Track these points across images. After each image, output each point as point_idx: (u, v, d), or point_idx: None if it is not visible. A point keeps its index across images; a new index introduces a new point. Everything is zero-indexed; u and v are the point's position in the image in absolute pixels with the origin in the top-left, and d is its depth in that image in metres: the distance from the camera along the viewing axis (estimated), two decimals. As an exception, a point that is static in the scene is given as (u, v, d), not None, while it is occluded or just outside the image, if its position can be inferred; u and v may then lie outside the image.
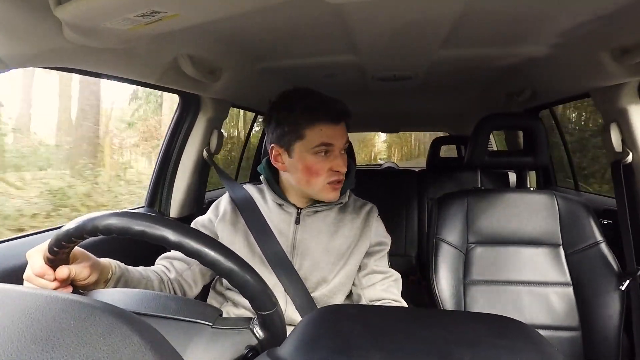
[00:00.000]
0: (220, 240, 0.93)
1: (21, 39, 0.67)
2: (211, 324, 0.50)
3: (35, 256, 0.58)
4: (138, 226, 0.47)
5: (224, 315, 0.54)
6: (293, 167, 0.89)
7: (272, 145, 0.91)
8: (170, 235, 0.46)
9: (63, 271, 0.56)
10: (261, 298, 0.48)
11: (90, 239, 0.52)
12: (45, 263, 0.56)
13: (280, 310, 0.51)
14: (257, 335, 0.49)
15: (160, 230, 0.47)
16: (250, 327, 0.50)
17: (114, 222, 0.48)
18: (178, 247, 0.46)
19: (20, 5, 0.62)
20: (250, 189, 1.01)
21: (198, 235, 0.48)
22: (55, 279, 0.57)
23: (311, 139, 0.85)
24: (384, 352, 0.39)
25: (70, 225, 0.50)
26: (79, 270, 0.60)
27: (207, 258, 0.47)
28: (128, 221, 0.47)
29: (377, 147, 13.33)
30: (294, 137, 0.87)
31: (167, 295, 0.57)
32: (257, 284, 0.48)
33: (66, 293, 0.40)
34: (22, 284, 0.60)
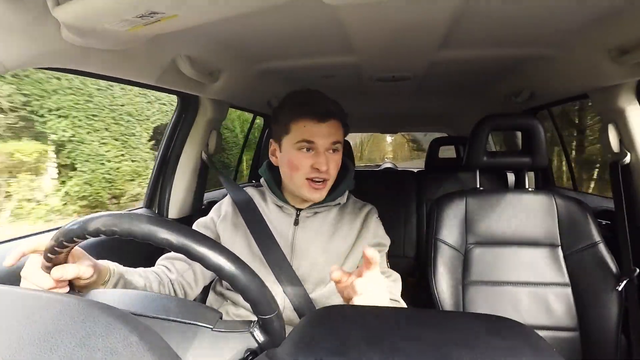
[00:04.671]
0: (221, 240, 0.93)
1: (19, 40, 0.66)
2: (212, 326, 0.50)
3: (36, 254, 0.58)
4: (142, 229, 0.47)
5: (224, 315, 0.54)
6: (282, 161, 0.92)
7: (271, 140, 0.95)
8: (174, 238, 0.46)
9: (62, 271, 0.56)
10: (262, 302, 0.48)
11: (91, 240, 0.52)
12: (45, 260, 0.56)
13: (281, 314, 0.51)
14: (257, 338, 0.49)
15: (164, 233, 0.47)
16: (250, 330, 0.50)
17: (117, 224, 0.48)
18: (182, 250, 0.47)
19: (19, 6, 0.62)
20: (250, 190, 1.01)
21: (202, 239, 0.48)
22: (53, 279, 0.57)
23: (295, 134, 0.88)
24: (383, 353, 0.39)
25: (71, 225, 0.50)
26: (83, 269, 0.60)
27: (210, 262, 0.47)
28: (132, 224, 0.47)
29: (386, 148, 15.60)
30: (283, 132, 0.90)
31: (167, 297, 0.57)
32: (259, 289, 0.48)
33: (65, 294, 0.40)
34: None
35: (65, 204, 3.88)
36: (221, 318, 0.53)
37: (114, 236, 0.48)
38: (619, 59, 0.97)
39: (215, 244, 0.48)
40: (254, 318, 0.51)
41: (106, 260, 0.71)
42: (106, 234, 0.48)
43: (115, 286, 0.70)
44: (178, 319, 0.50)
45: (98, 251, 0.70)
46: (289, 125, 0.88)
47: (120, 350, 0.31)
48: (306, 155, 0.88)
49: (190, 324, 0.50)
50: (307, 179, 0.88)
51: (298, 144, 0.87)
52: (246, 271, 0.48)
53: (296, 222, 0.93)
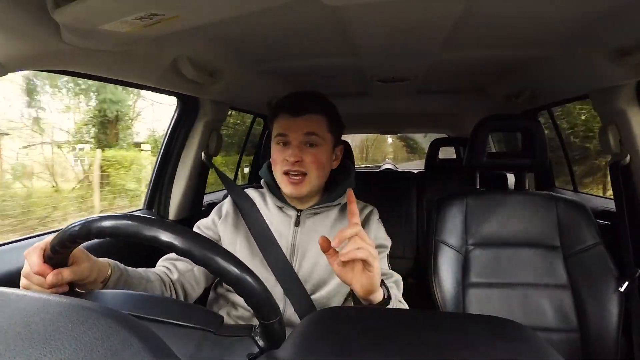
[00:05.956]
0: (222, 241, 0.93)
1: (19, 42, 0.66)
2: (214, 330, 0.50)
3: (34, 254, 0.57)
4: (146, 231, 0.47)
5: (224, 315, 0.54)
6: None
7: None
8: (179, 242, 0.46)
9: (58, 277, 0.56)
10: (265, 308, 0.48)
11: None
12: (45, 261, 0.56)
13: (282, 319, 0.51)
14: (259, 343, 0.49)
15: (168, 236, 0.46)
16: (252, 335, 0.50)
17: (121, 225, 0.48)
18: (186, 254, 0.46)
19: (19, 8, 0.62)
20: (251, 192, 1.01)
21: (206, 243, 0.47)
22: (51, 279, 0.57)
23: (274, 130, 0.93)
24: (383, 354, 0.39)
25: (75, 226, 0.50)
26: (78, 271, 0.60)
27: (214, 266, 0.46)
28: (137, 226, 0.47)
29: (387, 149, 16.44)
30: (272, 130, 0.95)
31: (170, 300, 0.57)
32: (262, 294, 0.48)
33: (65, 296, 0.40)
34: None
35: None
36: (222, 322, 0.53)
37: (118, 238, 0.48)
38: (619, 60, 0.97)
39: (219, 249, 0.48)
40: (255, 321, 0.51)
41: (107, 259, 0.71)
42: (110, 236, 0.48)
43: (115, 285, 0.70)
44: (181, 323, 0.50)
45: (98, 250, 0.70)
46: (273, 123, 0.94)
47: (121, 353, 0.31)
48: (282, 149, 0.90)
49: (192, 327, 0.50)
50: (284, 173, 0.89)
51: (275, 138, 0.91)
52: (251, 276, 0.48)
53: (297, 223, 0.93)
